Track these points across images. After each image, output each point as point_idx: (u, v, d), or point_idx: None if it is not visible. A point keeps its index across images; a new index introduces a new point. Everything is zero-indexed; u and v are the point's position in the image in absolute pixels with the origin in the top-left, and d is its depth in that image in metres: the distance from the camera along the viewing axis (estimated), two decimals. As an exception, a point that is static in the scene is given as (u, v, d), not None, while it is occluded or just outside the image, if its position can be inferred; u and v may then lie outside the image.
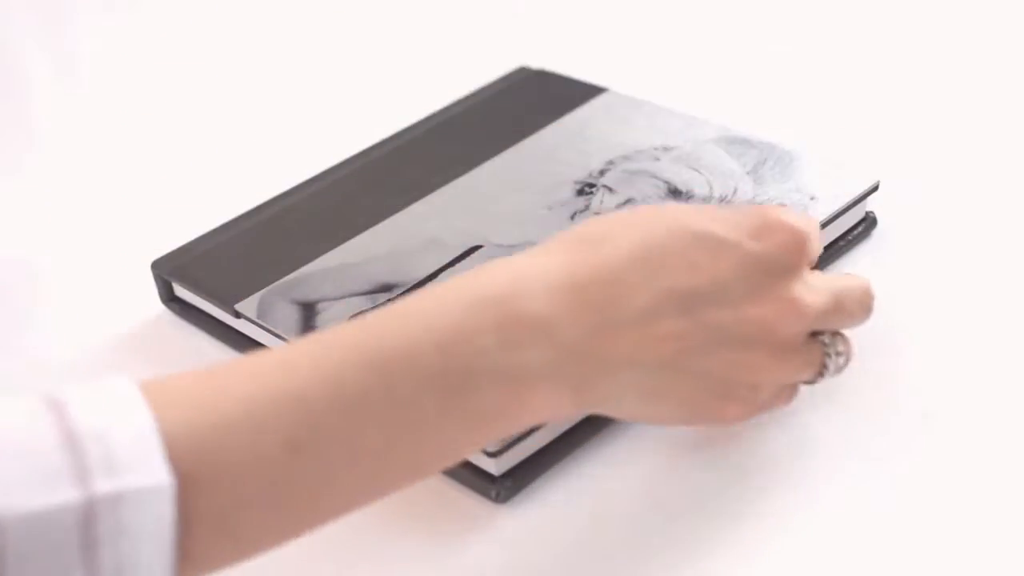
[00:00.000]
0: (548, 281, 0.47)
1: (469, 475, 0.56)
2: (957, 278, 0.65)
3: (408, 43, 0.92)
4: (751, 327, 0.50)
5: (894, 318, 0.62)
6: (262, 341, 0.63)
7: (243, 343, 0.65)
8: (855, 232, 0.67)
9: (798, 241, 0.51)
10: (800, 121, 0.77)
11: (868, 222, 0.67)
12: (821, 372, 0.54)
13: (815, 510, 0.54)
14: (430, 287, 0.48)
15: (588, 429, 0.57)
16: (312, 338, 0.46)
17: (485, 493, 0.55)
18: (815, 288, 0.52)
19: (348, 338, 0.46)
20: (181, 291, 0.67)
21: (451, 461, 0.48)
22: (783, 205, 0.64)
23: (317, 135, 0.82)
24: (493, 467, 0.55)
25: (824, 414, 0.58)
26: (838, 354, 0.54)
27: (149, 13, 0.95)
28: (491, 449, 0.54)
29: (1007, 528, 0.52)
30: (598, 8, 0.93)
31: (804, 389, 0.56)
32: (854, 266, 0.66)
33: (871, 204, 0.68)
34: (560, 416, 0.49)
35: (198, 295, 0.66)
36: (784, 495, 0.55)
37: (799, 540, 0.53)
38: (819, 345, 0.53)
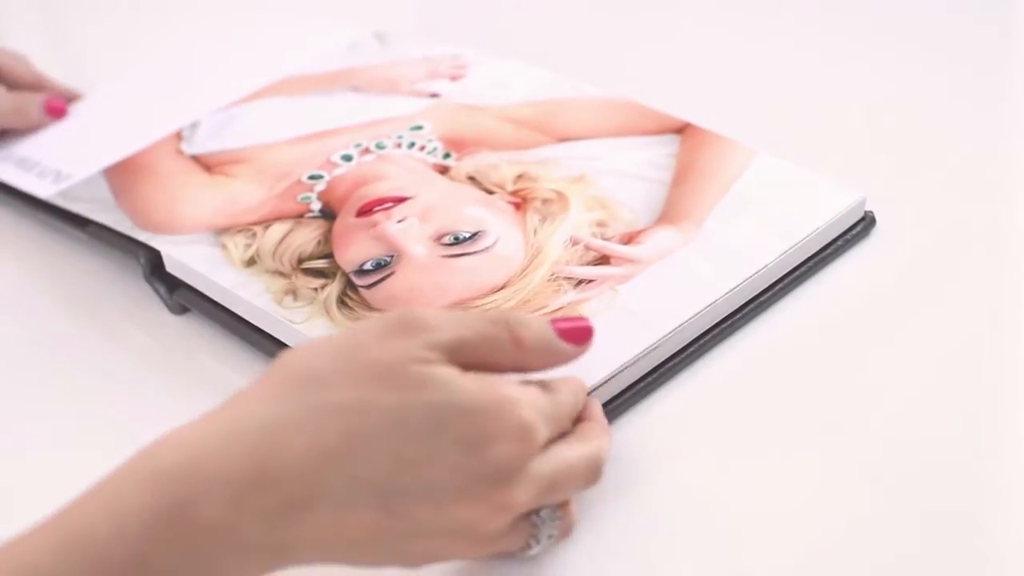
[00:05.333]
0: (229, 481, 0.45)
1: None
2: (957, 278, 0.65)
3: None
4: (454, 524, 0.47)
5: (893, 319, 0.62)
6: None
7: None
8: (854, 232, 0.67)
9: (525, 449, 0.48)
10: (798, 122, 0.77)
11: (867, 222, 0.68)
12: (527, 547, 0.51)
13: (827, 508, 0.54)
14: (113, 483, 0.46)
15: (587, 427, 0.57)
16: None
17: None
18: (531, 477, 0.48)
19: (49, 521, 0.45)
20: None
21: None
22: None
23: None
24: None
25: (833, 413, 0.58)
26: (549, 536, 0.51)
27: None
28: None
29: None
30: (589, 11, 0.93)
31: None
32: (852, 266, 0.66)
33: (870, 204, 0.68)
34: None
35: None
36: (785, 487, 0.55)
37: (802, 536, 0.53)
38: (528, 527, 0.50)
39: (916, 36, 0.85)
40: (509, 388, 0.49)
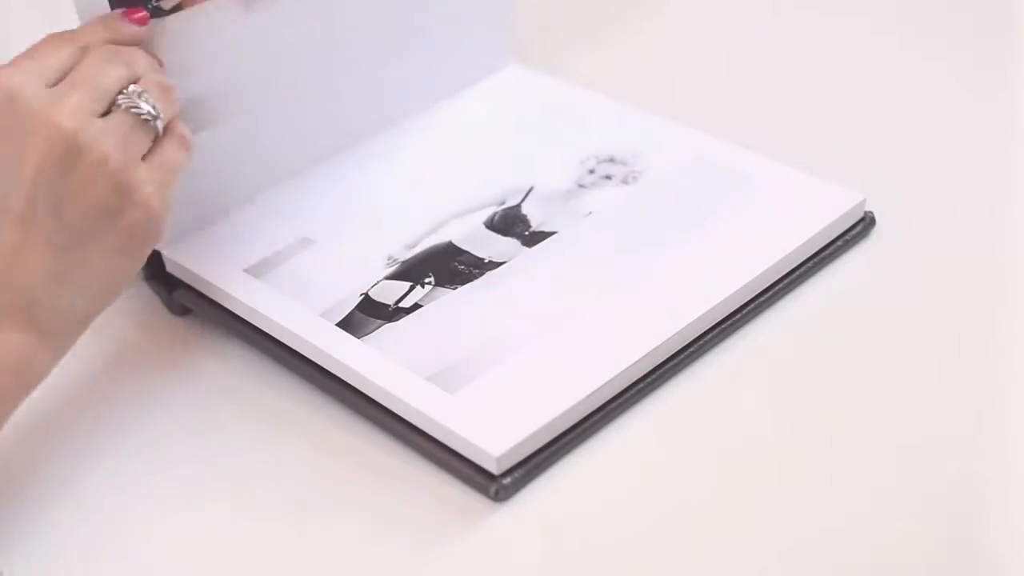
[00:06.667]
0: None
1: (468, 473, 0.56)
2: (956, 278, 0.65)
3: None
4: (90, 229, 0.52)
5: (893, 319, 0.63)
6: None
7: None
8: (854, 232, 0.67)
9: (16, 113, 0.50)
10: (798, 123, 0.78)
11: (867, 222, 0.68)
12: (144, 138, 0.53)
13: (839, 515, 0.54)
14: None
15: (588, 428, 0.57)
16: None
17: (484, 491, 0.55)
18: (64, 93, 0.51)
19: None
20: None
21: None
22: None
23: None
24: (493, 466, 0.55)
25: (832, 412, 0.58)
26: (151, 113, 0.52)
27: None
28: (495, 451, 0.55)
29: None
30: (589, 14, 0.93)
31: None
32: (852, 266, 0.66)
33: (870, 204, 0.68)
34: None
35: None
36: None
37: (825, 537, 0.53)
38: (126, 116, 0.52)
39: (916, 36, 0.85)
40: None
